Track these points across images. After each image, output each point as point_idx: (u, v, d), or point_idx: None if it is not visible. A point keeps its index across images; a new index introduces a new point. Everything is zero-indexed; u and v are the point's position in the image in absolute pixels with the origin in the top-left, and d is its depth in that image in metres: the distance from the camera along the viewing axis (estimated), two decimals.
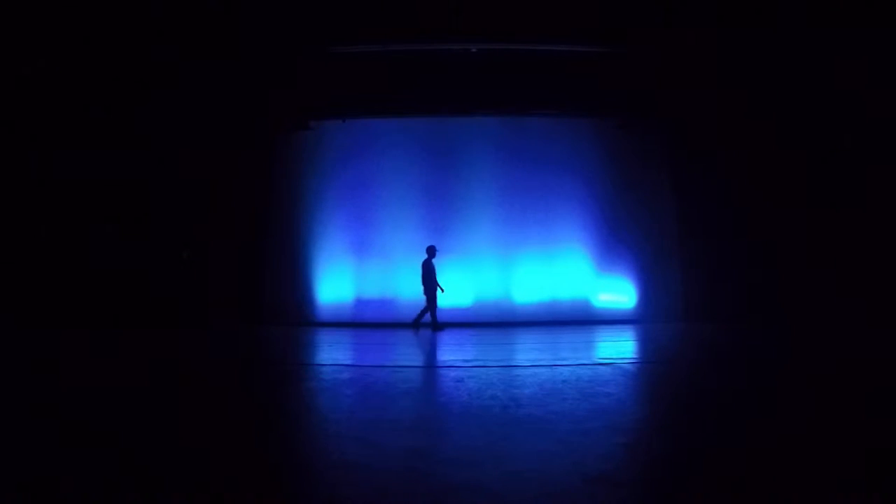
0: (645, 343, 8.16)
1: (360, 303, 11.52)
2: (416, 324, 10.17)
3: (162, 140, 10.28)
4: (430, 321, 10.08)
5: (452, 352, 7.20)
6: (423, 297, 10.07)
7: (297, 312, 11.45)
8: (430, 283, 10.03)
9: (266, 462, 2.62)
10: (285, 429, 3.30)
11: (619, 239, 11.53)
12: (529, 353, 6.95)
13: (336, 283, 11.54)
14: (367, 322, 11.14)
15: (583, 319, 11.26)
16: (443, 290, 10.10)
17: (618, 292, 11.65)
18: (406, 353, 7.20)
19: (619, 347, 7.58)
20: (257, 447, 2.87)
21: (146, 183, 10.30)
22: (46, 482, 2.31)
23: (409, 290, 11.50)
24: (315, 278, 11.58)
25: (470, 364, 5.71)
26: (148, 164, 10.24)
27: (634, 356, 6.84)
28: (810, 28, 8.83)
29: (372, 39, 9.98)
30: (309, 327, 10.98)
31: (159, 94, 10.04)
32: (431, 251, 10.20)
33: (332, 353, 7.46)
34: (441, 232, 11.45)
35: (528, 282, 11.47)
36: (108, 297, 9.74)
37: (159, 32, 9.27)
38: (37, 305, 9.22)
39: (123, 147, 10.02)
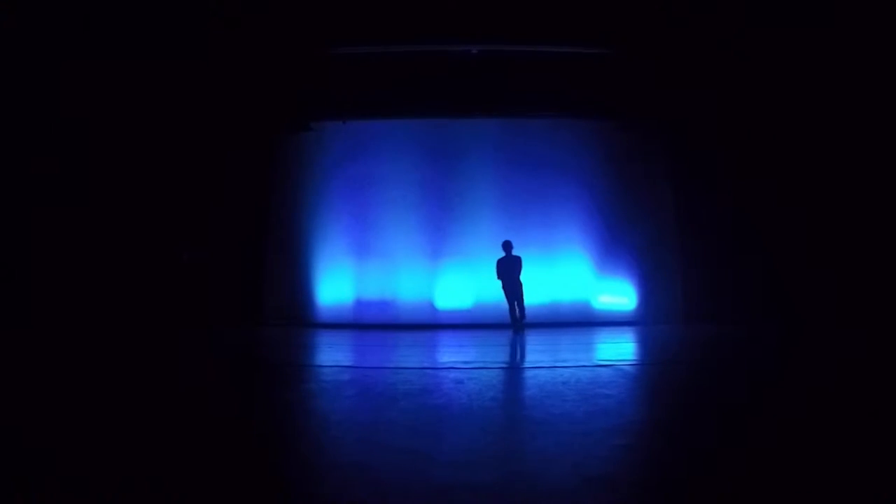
0: (645, 345, 8.15)
1: (360, 304, 11.52)
2: (519, 327, 9.82)
3: (161, 141, 10.29)
4: (516, 320, 9.81)
5: (453, 353, 7.20)
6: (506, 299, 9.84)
7: (298, 313, 11.46)
8: (502, 281, 9.78)
9: (266, 462, 2.62)
10: (286, 429, 3.29)
11: (619, 241, 11.53)
12: (529, 354, 6.94)
13: (336, 284, 11.55)
14: (367, 323, 11.15)
15: (583, 321, 11.26)
16: (504, 288, 9.82)
17: (618, 294, 11.65)
18: (406, 355, 7.20)
19: (619, 349, 7.57)
20: (257, 447, 2.86)
21: (145, 184, 10.30)
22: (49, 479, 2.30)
23: (409, 291, 11.52)
24: (315, 279, 11.59)
25: (470, 366, 5.71)
26: (147, 166, 10.25)
27: (634, 358, 6.83)
28: (810, 27, 8.84)
29: (372, 40, 9.99)
30: (309, 328, 10.98)
31: (158, 94, 10.04)
32: (504, 246, 9.93)
33: (333, 354, 7.46)
34: (441, 233, 11.48)
35: (528, 284, 11.47)
36: (110, 297, 9.74)
37: (158, 33, 9.28)
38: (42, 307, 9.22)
39: (121, 147, 10.03)
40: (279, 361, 6.65)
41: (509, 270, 9.83)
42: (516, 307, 9.89)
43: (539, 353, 6.95)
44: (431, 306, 11.57)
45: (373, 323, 11.13)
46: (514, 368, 5.78)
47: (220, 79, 10.19)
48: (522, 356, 6.82)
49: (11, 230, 9.29)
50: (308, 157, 11.71)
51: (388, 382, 4.72)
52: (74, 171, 9.74)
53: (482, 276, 11.19)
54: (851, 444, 2.78)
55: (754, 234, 10.22)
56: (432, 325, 11.24)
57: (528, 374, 5.21)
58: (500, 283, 9.94)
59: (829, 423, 3.23)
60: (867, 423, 3.21)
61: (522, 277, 9.92)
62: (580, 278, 11.60)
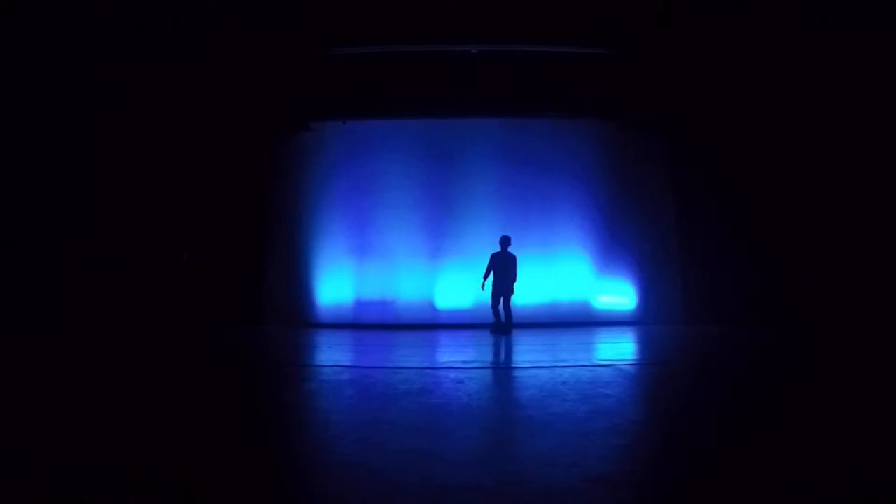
0: (645, 345, 8.15)
1: (360, 304, 11.52)
2: (506, 327, 9.45)
3: (161, 141, 10.29)
4: (498, 320, 9.43)
5: (452, 353, 7.20)
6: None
7: (298, 314, 11.45)
8: (490, 276, 9.42)
9: (267, 462, 2.62)
10: (286, 429, 3.30)
11: (619, 241, 11.53)
12: (529, 354, 6.94)
13: (336, 284, 11.54)
14: (367, 324, 11.15)
15: (583, 321, 11.26)
16: (483, 288, 9.49)
17: (618, 294, 11.65)
18: (406, 355, 7.20)
19: (619, 349, 7.57)
20: (258, 447, 2.87)
21: (144, 184, 10.30)
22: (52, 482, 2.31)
23: (409, 291, 11.52)
24: (315, 280, 11.58)
25: (470, 365, 5.71)
26: (147, 166, 10.24)
27: (634, 358, 6.83)
28: (810, 28, 8.85)
29: (372, 41, 9.99)
30: (309, 328, 10.98)
31: (158, 94, 10.04)
32: (501, 242, 9.55)
33: (333, 354, 7.46)
34: (441, 233, 11.48)
35: (528, 283, 11.47)
36: (109, 296, 9.74)
37: (158, 33, 9.28)
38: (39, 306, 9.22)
39: (121, 147, 10.02)
40: (279, 361, 6.65)
41: (501, 267, 9.48)
42: (500, 308, 9.44)
43: (539, 353, 6.95)
44: (431, 306, 11.57)
45: (373, 323, 11.13)
46: (513, 368, 5.78)
47: (221, 79, 10.18)
48: (520, 356, 6.83)
49: (10, 229, 9.29)
50: (308, 157, 11.70)
51: (388, 382, 4.73)
52: (73, 170, 9.74)
53: (482, 276, 11.18)
54: (851, 444, 2.78)
55: (754, 234, 10.21)
56: (432, 325, 11.25)
57: (529, 373, 5.21)
58: (489, 277, 9.46)
59: (829, 423, 3.23)
60: (867, 423, 3.21)
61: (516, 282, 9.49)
62: (580, 278, 11.60)
